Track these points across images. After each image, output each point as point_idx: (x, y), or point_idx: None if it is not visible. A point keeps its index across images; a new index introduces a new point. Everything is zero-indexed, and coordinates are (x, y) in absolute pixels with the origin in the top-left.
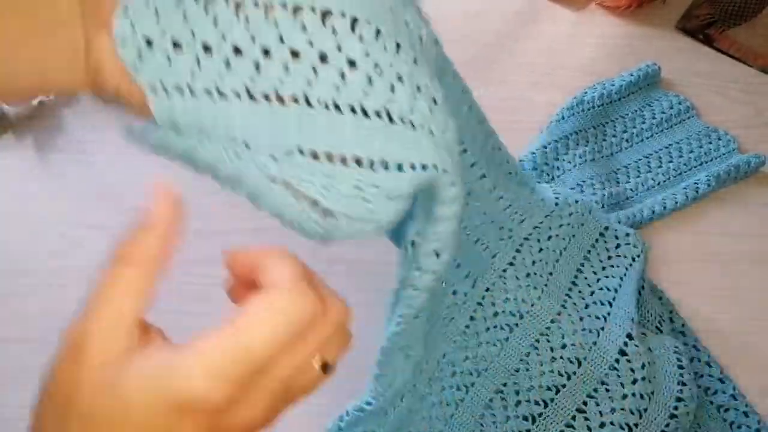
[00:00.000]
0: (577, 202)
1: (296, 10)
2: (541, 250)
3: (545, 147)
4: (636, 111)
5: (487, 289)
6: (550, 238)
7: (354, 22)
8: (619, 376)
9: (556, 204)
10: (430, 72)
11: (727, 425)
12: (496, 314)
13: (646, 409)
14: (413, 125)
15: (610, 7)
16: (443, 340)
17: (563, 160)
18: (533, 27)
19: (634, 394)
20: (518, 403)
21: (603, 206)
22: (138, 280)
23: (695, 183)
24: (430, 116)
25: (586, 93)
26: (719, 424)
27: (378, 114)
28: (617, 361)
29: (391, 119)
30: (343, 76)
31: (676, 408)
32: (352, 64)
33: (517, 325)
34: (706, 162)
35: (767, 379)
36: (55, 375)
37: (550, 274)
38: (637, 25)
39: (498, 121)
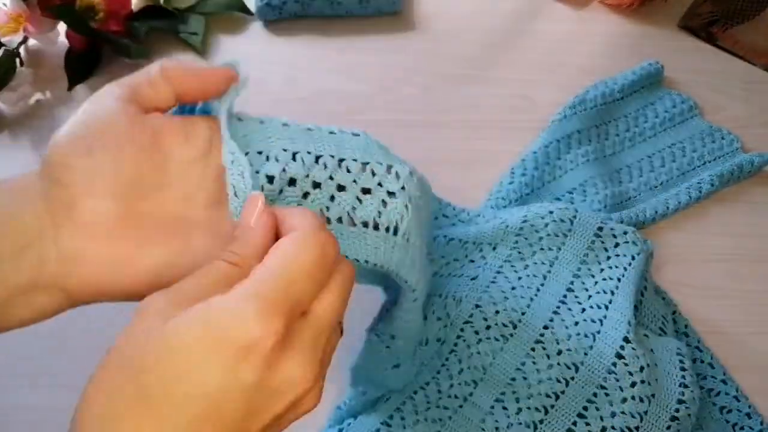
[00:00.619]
0: (551, 212)
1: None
2: (527, 266)
3: (547, 146)
4: (638, 110)
5: (476, 306)
6: (534, 253)
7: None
8: (617, 380)
9: (524, 221)
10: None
11: (729, 427)
12: (488, 327)
13: (646, 412)
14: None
15: (612, 6)
16: (436, 358)
17: (565, 159)
18: (535, 25)
19: (633, 397)
20: (519, 410)
21: (605, 206)
22: (227, 275)
23: (698, 182)
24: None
25: (588, 92)
26: (722, 425)
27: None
28: (614, 364)
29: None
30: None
31: (677, 410)
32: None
33: (511, 335)
34: (709, 161)
35: None
36: (119, 342)
37: (542, 284)
38: (640, 23)
39: (499, 120)
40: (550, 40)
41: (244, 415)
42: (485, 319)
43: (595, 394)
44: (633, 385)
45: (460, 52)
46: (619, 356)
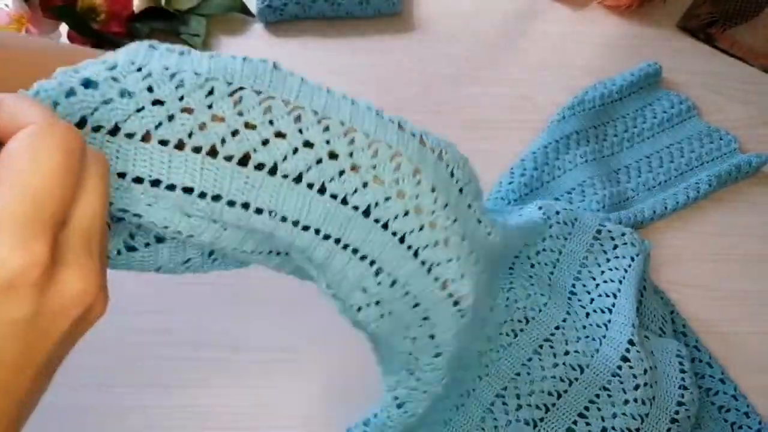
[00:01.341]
0: (558, 213)
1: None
2: (532, 265)
3: (546, 147)
4: (637, 110)
5: (491, 309)
6: (538, 253)
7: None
8: (621, 382)
9: (541, 220)
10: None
11: (728, 426)
12: (505, 321)
13: (647, 414)
14: None
15: (611, 7)
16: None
17: (564, 159)
18: (534, 26)
19: (636, 400)
20: (519, 407)
21: (604, 206)
22: None
23: (696, 183)
24: None
25: (587, 92)
26: (720, 424)
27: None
28: (619, 367)
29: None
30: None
31: (677, 412)
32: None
33: (522, 330)
34: (707, 162)
35: None
36: None
37: (549, 285)
38: (638, 24)
39: (499, 120)
40: (549, 41)
41: (26, 348)
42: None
43: (597, 395)
44: (636, 387)
45: (460, 53)
46: (624, 359)
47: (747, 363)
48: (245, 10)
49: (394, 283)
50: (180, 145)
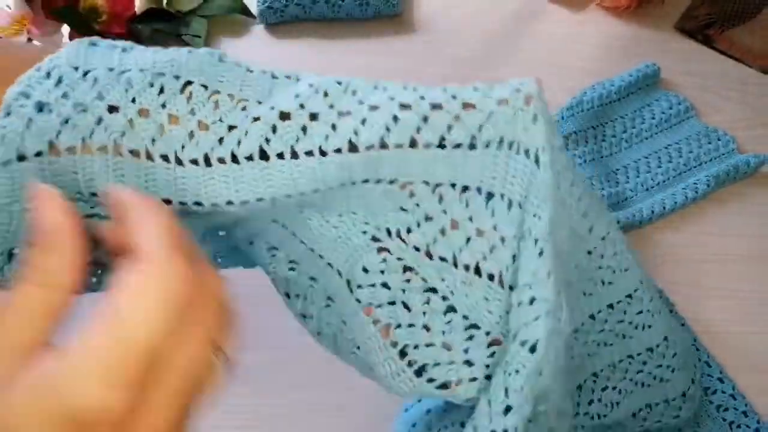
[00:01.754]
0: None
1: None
2: None
3: None
4: (635, 111)
5: None
6: None
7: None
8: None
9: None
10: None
11: (726, 425)
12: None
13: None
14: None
15: (609, 8)
16: None
17: None
18: (532, 27)
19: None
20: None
21: None
22: (42, 302)
23: (695, 183)
24: None
25: (585, 93)
26: (718, 423)
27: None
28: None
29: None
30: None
31: (679, 408)
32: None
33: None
34: (706, 162)
35: (766, 379)
36: None
37: None
38: (637, 25)
39: None
40: (548, 41)
41: None
42: None
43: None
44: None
45: (460, 54)
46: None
47: (746, 362)
48: (246, 12)
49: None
50: (149, 155)
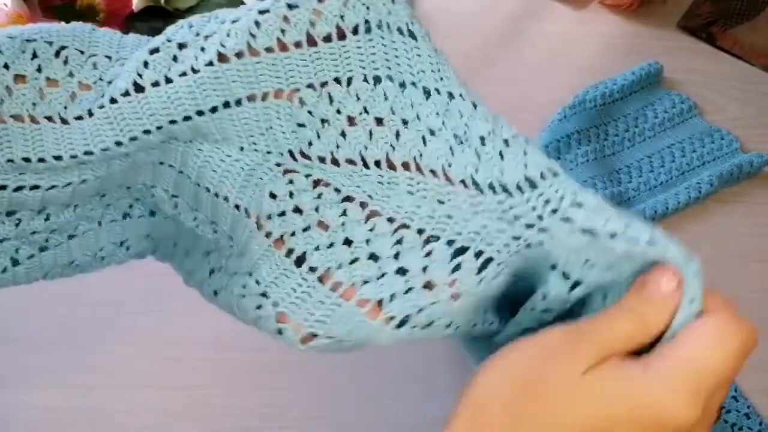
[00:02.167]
0: None
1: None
2: None
3: (547, 146)
4: (638, 110)
5: None
6: None
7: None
8: None
9: None
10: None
11: (728, 426)
12: None
13: None
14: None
15: (611, 6)
16: None
17: (565, 159)
18: (534, 26)
19: None
20: None
21: None
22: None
23: (698, 183)
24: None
25: (587, 92)
26: (720, 425)
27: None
28: None
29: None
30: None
31: None
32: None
33: None
34: (709, 162)
35: None
36: (535, 365)
37: None
38: (639, 23)
39: None
40: (549, 40)
41: None
42: None
43: None
44: None
45: (460, 52)
46: None
47: (748, 364)
48: None
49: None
50: (33, 119)
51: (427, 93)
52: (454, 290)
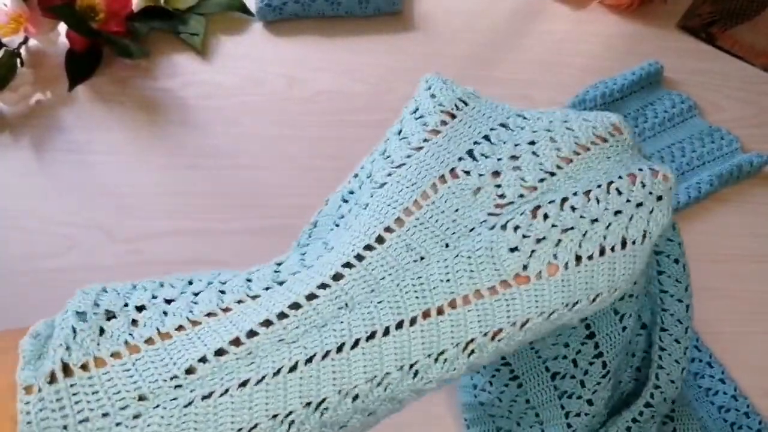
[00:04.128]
0: None
1: None
2: None
3: None
4: (638, 110)
5: None
6: None
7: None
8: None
9: None
10: None
11: (728, 426)
12: None
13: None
14: None
15: (611, 6)
16: None
17: None
18: (534, 25)
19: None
20: None
21: None
22: None
23: (697, 182)
24: None
25: (587, 92)
26: (720, 424)
27: None
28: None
29: None
30: None
31: (652, 396)
32: None
33: None
34: (709, 161)
35: None
36: None
37: None
38: (639, 23)
39: None
40: (550, 40)
41: None
42: None
43: None
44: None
45: (460, 52)
46: None
47: (747, 363)
48: (245, 9)
49: None
50: None
51: None
52: None
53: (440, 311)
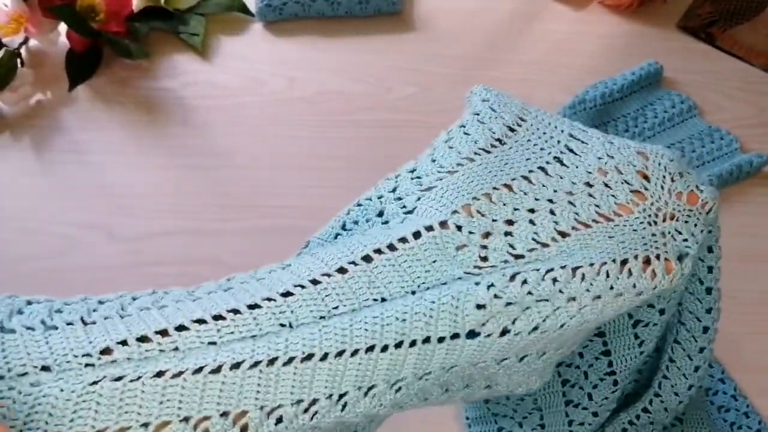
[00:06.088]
0: None
1: None
2: None
3: None
4: (638, 110)
5: None
6: None
7: None
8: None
9: None
10: None
11: (727, 426)
12: None
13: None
14: None
15: (611, 6)
16: None
17: None
18: (534, 25)
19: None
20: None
21: None
22: None
23: None
24: None
25: (587, 92)
26: (719, 424)
27: None
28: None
29: None
30: None
31: (650, 402)
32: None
33: None
34: (709, 161)
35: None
36: None
37: None
38: (639, 23)
39: None
40: (549, 40)
41: None
42: None
43: None
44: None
45: (460, 52)
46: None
47: (747, 363)
48: (245, 10)
49: None
50: None
51: None
52: None
53: (384, 349)
